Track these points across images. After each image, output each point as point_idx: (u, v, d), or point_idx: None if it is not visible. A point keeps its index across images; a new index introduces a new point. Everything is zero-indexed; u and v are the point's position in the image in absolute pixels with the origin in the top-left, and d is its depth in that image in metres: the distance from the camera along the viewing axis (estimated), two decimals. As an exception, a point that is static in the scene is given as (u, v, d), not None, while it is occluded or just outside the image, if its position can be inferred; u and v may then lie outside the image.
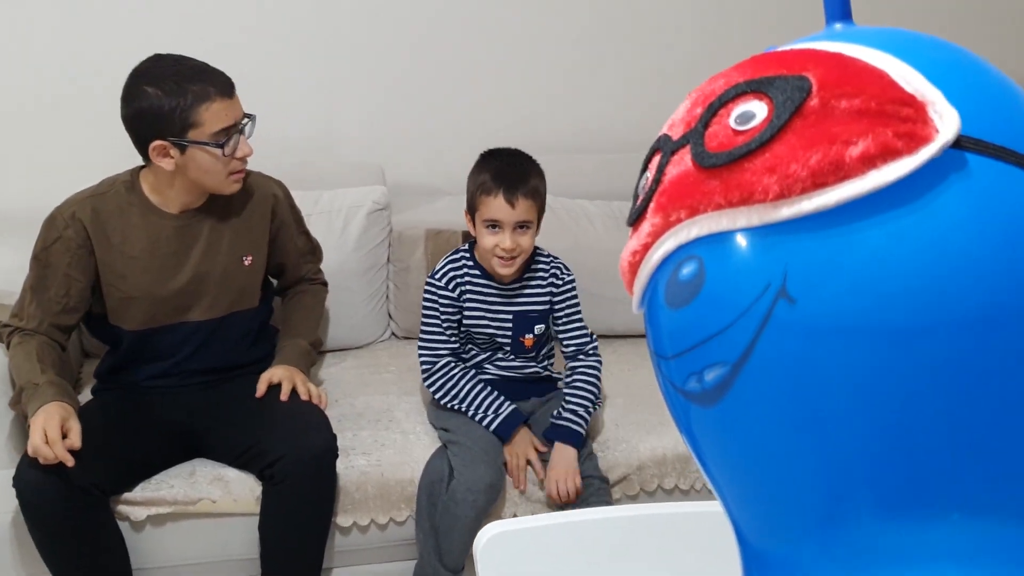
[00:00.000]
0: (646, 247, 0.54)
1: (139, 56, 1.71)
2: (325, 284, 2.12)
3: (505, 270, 1.84)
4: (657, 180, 0.53)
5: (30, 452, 1.55)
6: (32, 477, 1.58)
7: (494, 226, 1.82)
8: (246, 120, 1.73)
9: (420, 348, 1.93)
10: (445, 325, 1.91)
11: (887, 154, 0.45)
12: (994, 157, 0.46)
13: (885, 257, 0.46)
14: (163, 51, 1.73)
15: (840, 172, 0.45)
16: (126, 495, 1.73)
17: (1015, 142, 0.47)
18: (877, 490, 0.48)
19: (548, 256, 1.94)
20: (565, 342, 1.94)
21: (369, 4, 2.54)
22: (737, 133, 0.49)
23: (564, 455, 1.84)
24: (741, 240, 0.49)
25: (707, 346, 0.50)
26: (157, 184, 1.77)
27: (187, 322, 1.85)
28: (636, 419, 2.05)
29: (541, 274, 1.91)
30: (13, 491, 1.61)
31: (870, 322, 0.46)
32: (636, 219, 0.55)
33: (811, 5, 0.67)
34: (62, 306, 1.78)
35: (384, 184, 2.43)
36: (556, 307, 1.92)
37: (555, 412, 1.89)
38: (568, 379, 1.93)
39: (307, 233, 2.06)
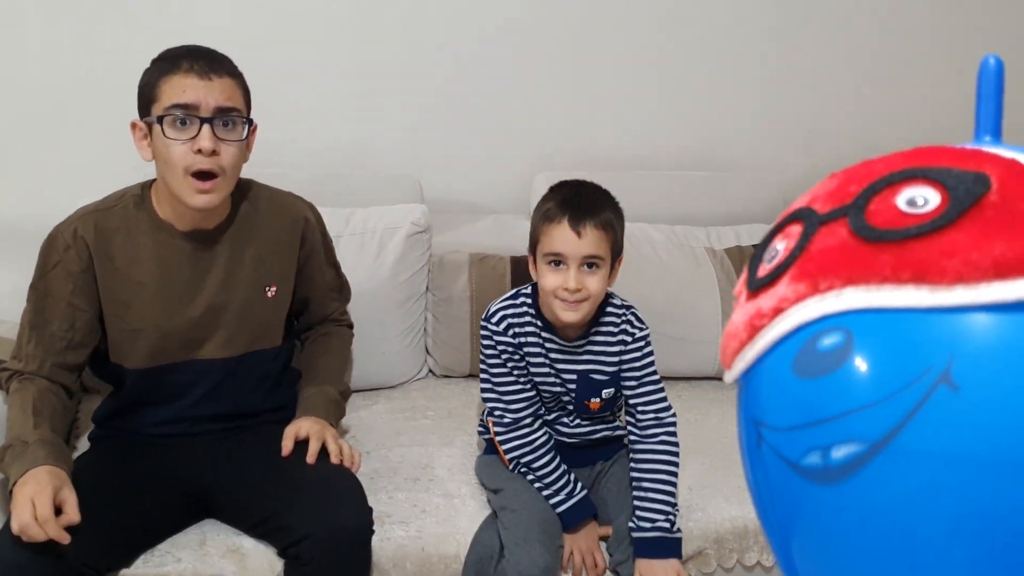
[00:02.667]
0: (778, 311, 0.55)
1: (144, 57, 1.49)
2: (351, 327, 2.01)
3: (569, 315, 1.67)
4: (801, 248, 0.55)
5: (15, 529, 1.39)
6: (16, 559, 1.42)
7: (558, 262, 1.65)
8: (227, 116, 1.55)
9: (493, 402, 1.79)
10: (517, 374, 1.77)
11: None
12: None
13: None
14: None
15: (1023, 268, 0.48)
16: (124, 572, 1.58)
17: None
18: None
19: (622, 306, 1.66)
20: (640, 409, 1.76)
21: (410, 5, 2.45)
22: (906, 215, 0.52)
23: (665, 569, 1.66)
24: (905, 318, 0.50)
25: (843, 421, 0.50)
26: (166, 193, 1.63)
27: (199, 360, 1.71)
28: (713, 482, 1.79)
29: (610, 328, 1.67)
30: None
31: None
32: (764, 285, 0.57)
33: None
34: (66, 342, 1.63)
35: (423, 201, 2.17)
36: (625, 365, 1.63)
37: (636, 516, 1.71)
38: (644, 463, 1.75)
39: (337, 266, 1.94)
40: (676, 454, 1.74)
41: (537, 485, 1.74)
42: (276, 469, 1.66)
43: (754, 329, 0.56)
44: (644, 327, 1.78)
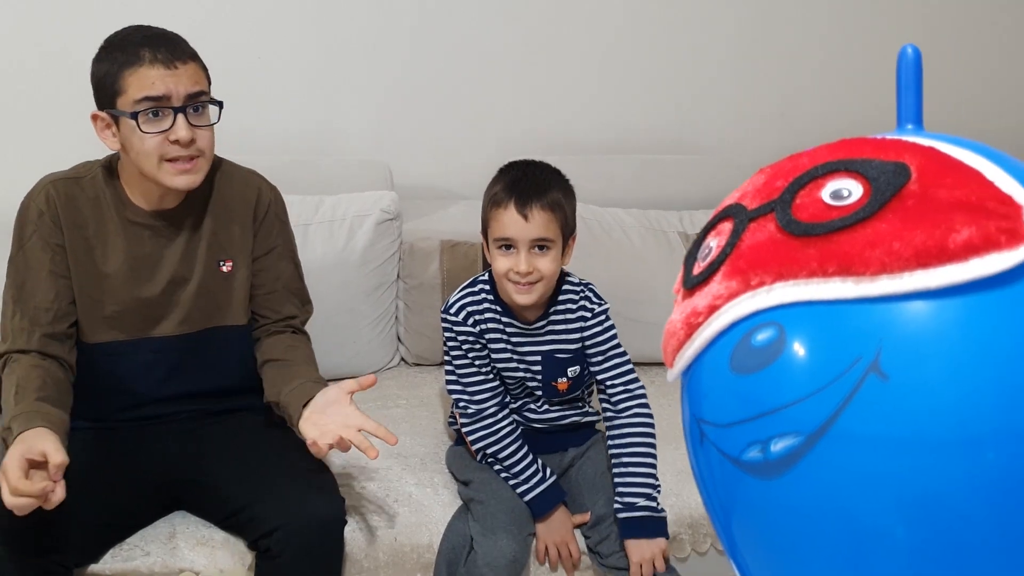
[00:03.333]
0: (713, 308, 0.56)
1: (104, 31, 1.46)
2: (309, 339, 1.85)
3: (523, 298, 1.68)
4: (732, 244, 0.56)
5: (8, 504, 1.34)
6: None
7: (508, 246, 1.66)
8: (197, 101, 1.54)
9: (457, 393, 1.79)
10: (479, 364, 1.77)
11: (989, 245, 0.49)
12: None
13: (982, 345, 0.49)
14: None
15: (943, 255, 0.49)
16: (92, 568, 1.58)
17: None
18: None
19: (578, 283, 1.65)
20: (609, 384, 1.75)
21: None
22: (830, 208, 0.53)
23: (652, 549, 1.66)
24: (833, 310, 0.51)
25: (779, 415, 0.52)
26: (130, 173, 1.63)
27: (157, 337, 1.69)
28: (687, 467, 1.76)
29: (569, 306, 1.65)
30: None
31: (962, 411, 0.48)
32: (699, 283, 0.58)
33: None
34: (52, 313, 1.61)
35: (392, 188, 2.15)
36: (589, 342, 1.62)
37: (619, 495, 1.72)
38: (621, 439, 1.72)
39: (297, 265, 1.84)
40: (651, 425, 1.75)
41: (504, 475, 1.74)
42: (246, 460, 1.65)
43: (691, 328, 0.58)
44: (603, 302, 1.78)
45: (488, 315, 1.76)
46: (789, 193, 0.55)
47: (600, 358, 1.76)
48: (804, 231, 0.53)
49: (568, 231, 1.70)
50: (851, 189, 0.53)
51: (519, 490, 1.72)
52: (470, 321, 1.75)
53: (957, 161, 0.53)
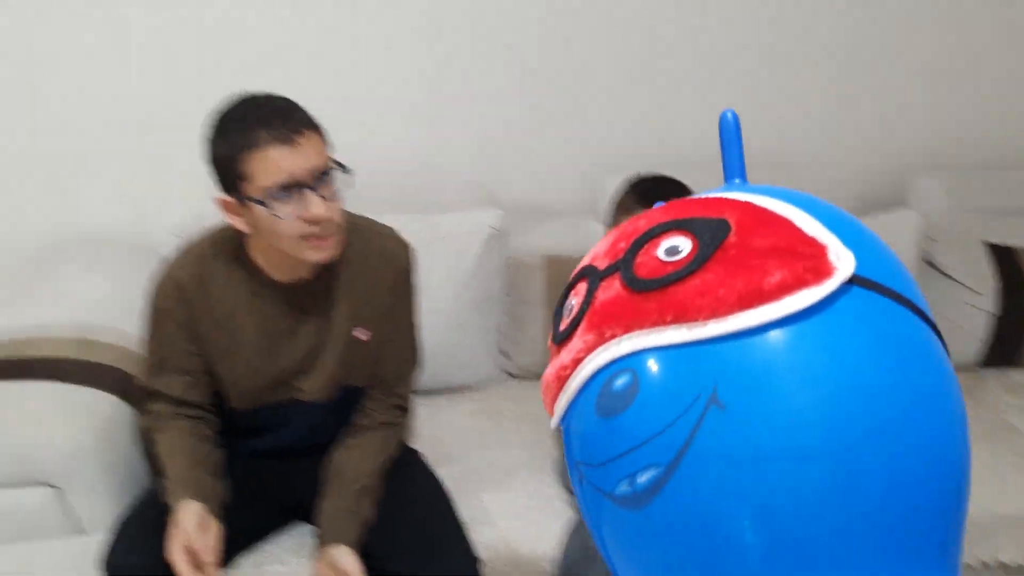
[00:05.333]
0: (577, 362, 0.63)
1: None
2: (404, 423, 1.81)
3: None
4: (588, 303, 0.63)
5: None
6: (126, 560, 1.51)
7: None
8: (326, 171, 1.48)
9: None
10: None
11: (798, 284, 0.56)
12: (881, 294, 0.59)
13: (802, 370, 0.56)
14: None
15: (761, 297, 0.56)
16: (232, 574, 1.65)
17: (895, 285, 0.59)
18: None
19: None
20: None
21: (476, 13, 2.53)
22: (665, 264, 0.60)
23: None
24: (674, 354, 0.58)
25: (641, 450, 0.58)
26: (262, 247, 1.60)
27: (298, 401, 1.71)
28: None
29: None
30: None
31: (789, 430, 0.55)
32: (564, 339, 0.65)
33: None
34: (185, 384, 1.66)
35: (494, 205, 2.25)
36: None
37: None
38: None
39: (417, 325, 1.78)
40: None
41: None
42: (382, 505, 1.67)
43: (561, 380, 0.64)
44: None
45: None
46: (631, 253, 0.62)
47: None
48: (644, 287, 0.59)
49: None
50: (682, 246, 0.59)
51: None
52: None
53: (770, 212, 0.59)
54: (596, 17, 2.58)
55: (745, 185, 0.68)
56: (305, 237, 1.47)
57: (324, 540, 1.59)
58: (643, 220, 0.65)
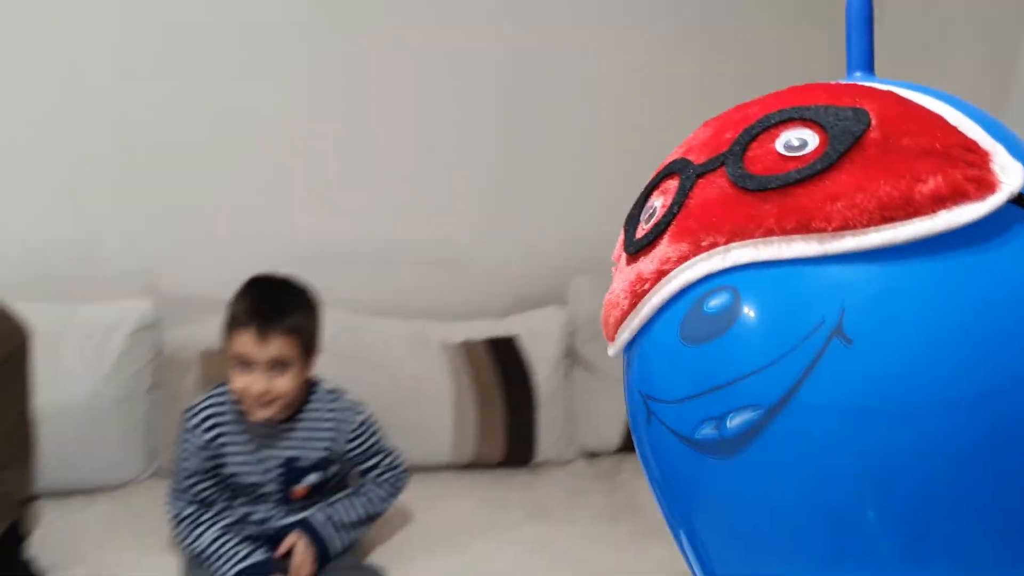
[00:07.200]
0: (661, 274, 0.51)
1: None
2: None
3: (261, 413, 1.77)
4: (679, 204, 0.51)
5: None
6: None
7: (246, 363, 1.71)
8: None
9: (168, 496, 1.86)
10: (191, 471, 1.84)
11: (957, 196, 0.45)
12: None
13: (951, 304, 0.46)
14: None
15: (910, 208, 0.45)
16: None
17: None
18: (890, 555, 0.47)
19: (333, 394, 1.74)
20: (376, 472, 1.93)
21: (124, 86, 2.40)
22: (786, 159, 0.49)
23: (309, 554, 1.81)
24: (792, 271, 0.47)
25: (735, 388, 0.48)
26: None
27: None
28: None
29: (319, 413, 1.75)
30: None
31: (932, 375, 0.45)
32: (644, 247, 0.53)
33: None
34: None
35: (153, 295, 2.15)
36: (353, 451, 1.72)
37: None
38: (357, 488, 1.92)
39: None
40: (391, 496, 1.89)
41: (214, 564, 1.75)
42: None
43: (636, 296, 0.53)
44: (363, 411, 1.90)
45: (229, 418, 1.80)
46: (740, 145, 0.51)
47: (364, 459, 1.88)
48: (759, 185, 0.48)
49: (309, 348, 1.77)
50: (807, 139, 0.49)
51: (224, 571, 1.73)
52: (207, 425, 1.79)
53: (919, 106, 0.50)
54: (248, 94, 2.46)
55: (871, 79, 0.56)
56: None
57: None
58: (755, 107, 0.53)
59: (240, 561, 1.74)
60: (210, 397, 1.84)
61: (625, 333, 0.54)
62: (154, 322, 2.22)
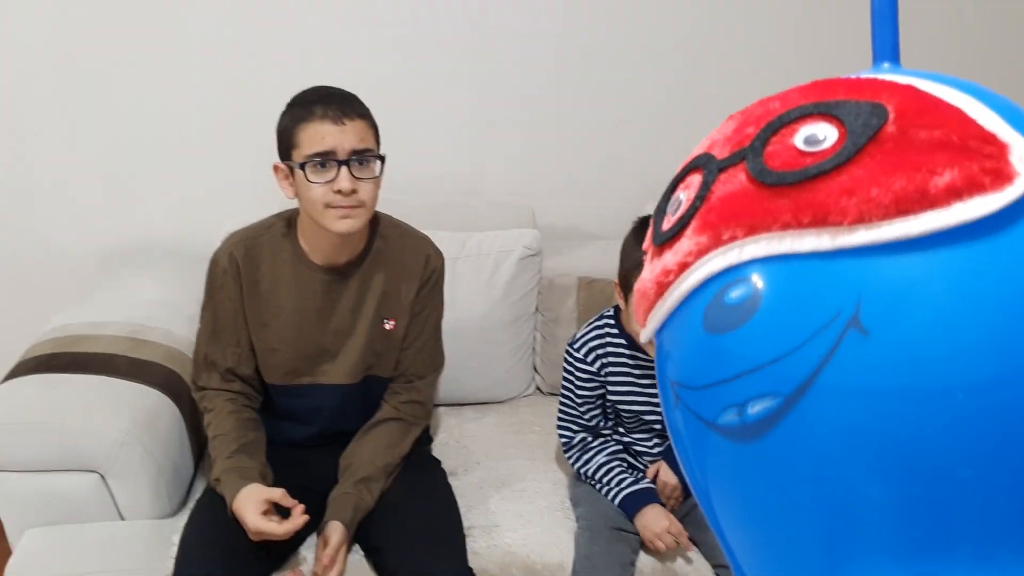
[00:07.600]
0: (684, 266, 0.53)
1: (285, 86, 1.62)
2: (426, 415, 1.97)
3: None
4: (702, 197, 0.53)
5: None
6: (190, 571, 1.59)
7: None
8: (361, 156, 1.64)
9: (564, 425, 1.94)
10: (580, 401, 1.90)
11: (973, 188, 0.46)
12: None
13: (967, 295, 0.46)
14: (306, 81, 1.71)
15: (925, 201, 0.46)
16: None
17: None
18: (903, 540, 0.48)
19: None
20: None
21: (522, 39, 2.56)
22: (804, 154, 0.50)
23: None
24: (809, 264, 0.49)
25: (756, 375, 0.49)
26: (306, 226, 1.77)
27: (325, 384, 1.84)
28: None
29: None
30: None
31: (946, 362, 0.45)
32: (669, 239, 0.55)
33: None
34: (237, 357, 1.81)
35: (535, 227, 2.29)
36: None
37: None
38: None
39: (439, 328, 1.93)
40: None
41: (600, 488, 1.84)
42: (387, 502, 1.77)
43: (662, 287, 0.55)
44: None
45: (611, 349, 1.85)
46: (760, 140, 0.52)
47: None
48: (777, 180, 0.49)
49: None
50: (826, 133, 0.50)
51: (610, 496, 1.82)
52: (591, 357, 1.85)
53: (937, 99, 0.50)
54: (641, 39, 2.57)
55: (897, 68, 0.56)
56: (330, 206, 1.63)
57: (324, 519, 1.71)
58: (776, 101, 0.54)
59: (626, 488, 1.83)
60: (593, 328, 1.90)
61: (653, 322, 0.56)
62: (538, 250, 2.36)
